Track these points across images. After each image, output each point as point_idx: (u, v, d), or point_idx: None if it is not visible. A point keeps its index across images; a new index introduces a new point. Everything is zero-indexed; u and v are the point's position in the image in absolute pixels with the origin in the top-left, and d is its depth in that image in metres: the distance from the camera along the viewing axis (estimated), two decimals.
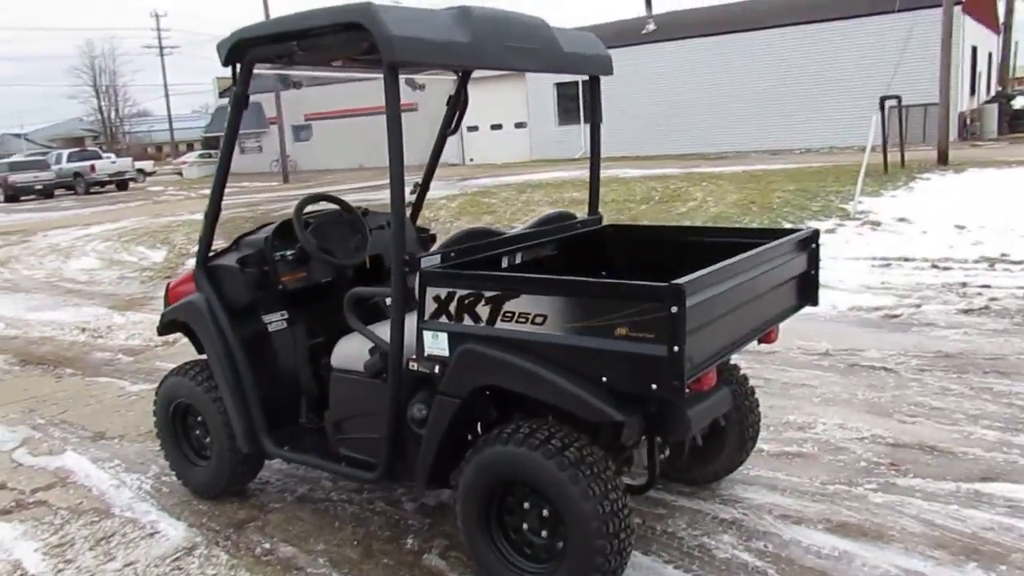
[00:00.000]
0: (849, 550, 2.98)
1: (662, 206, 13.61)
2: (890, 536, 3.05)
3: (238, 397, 3.44)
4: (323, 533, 3.40)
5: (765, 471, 3.74)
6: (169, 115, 57.33)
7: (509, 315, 2.62)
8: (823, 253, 3.44)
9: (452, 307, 2.75)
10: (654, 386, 2.38)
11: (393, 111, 2.76)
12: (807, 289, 3.34)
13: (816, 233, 3.34)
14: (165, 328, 3.78)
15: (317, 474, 3.89)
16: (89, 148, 37.07)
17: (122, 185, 32.22)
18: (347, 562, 3.15)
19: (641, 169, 21.98)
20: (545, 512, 2.67)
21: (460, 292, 2.72)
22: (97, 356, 6.58)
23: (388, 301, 2.90)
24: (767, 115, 26.15)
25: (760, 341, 3.18)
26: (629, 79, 27.14)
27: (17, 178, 29.62)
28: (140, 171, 37.55)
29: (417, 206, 4.44)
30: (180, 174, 40.40)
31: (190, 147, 58.25)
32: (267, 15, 29.81)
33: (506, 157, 31.66)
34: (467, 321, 2.72)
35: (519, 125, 32.32)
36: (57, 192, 31.19)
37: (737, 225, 10.55)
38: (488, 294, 2.66)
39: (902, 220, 10.24)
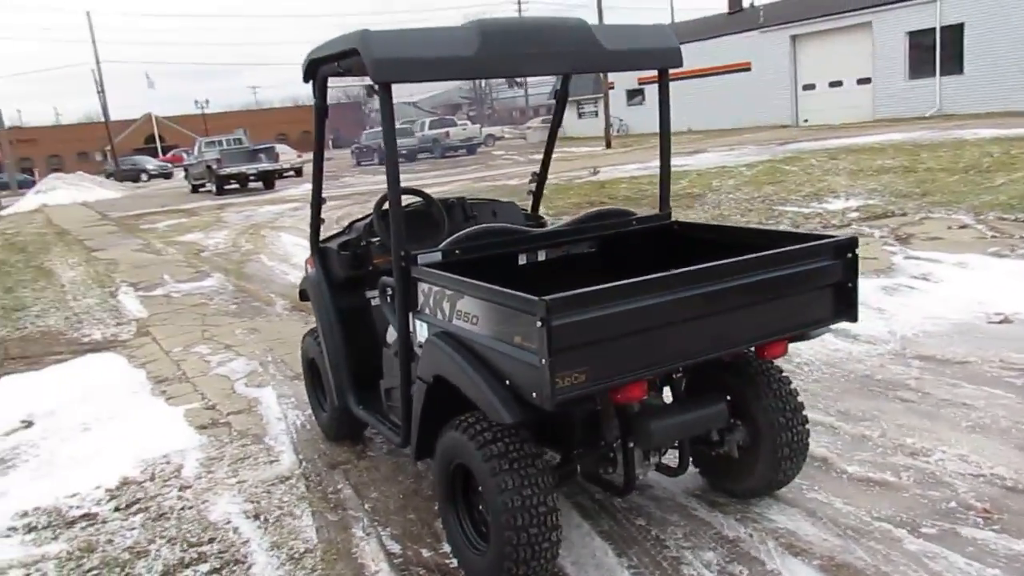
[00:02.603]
0: None
1: (978, 177, 11.74)
2: None
3: (333, 360, 4.08)
4: (384, 484, 3.92)
5: (824, 495, 3.43)
6: (525, 81, 61.77)
7: (459, 313, 2.85)
8: None
9: (431, 301, 3.05)
10: (534, 394, 2.46)
11: (388, 124, 3.04)
12: (841, 302, 3.00)
13: (853, 241, 2.97)
14: (301, 295, 4.56)
15: None
16: (447, 116, 41.69)
17: (471, 149, 35.88)
18: (384, 511, 3.64)
19: (1000, 128, 18.87)
20: None
21: (435, 288, 3.01)
22: None
23: None
24: None
25: (759, 355, 2.97)
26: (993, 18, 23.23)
27: None
28: (489, 136, 41.32)
29: (537, 194, 4.66)
30: (524, 138, 43.64)
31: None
32: None
33: (844, 117, 29.07)
34: (438, 315, 3.00)
35: (862, 81, 29.36)
36: (420, 156, 35.71)
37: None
38: (448, 292, 2.91)
39: None
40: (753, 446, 3.28)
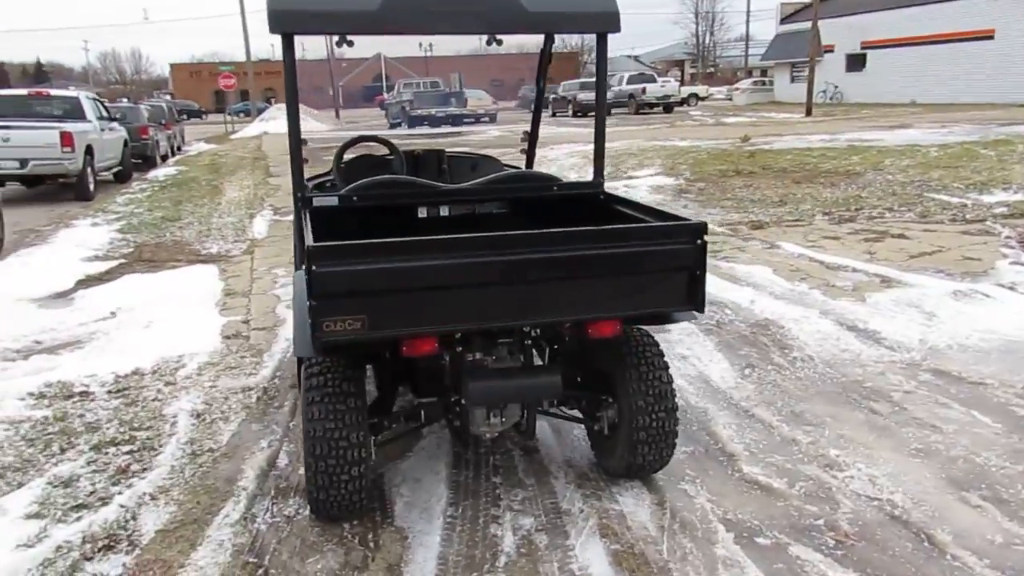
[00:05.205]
0: None
1: None
2: None
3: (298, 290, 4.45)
4: None
5: (696, 489, 3.31)
6: (747, 40, 58.91)
7: None
8: None
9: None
10: (316, 334, 2.63)
11: (290, 76, 3.28)
12: (687, 291, 2.85)
13: (700, 227, 2.81)
14: None
15: None
16: (647, 72, 40.78)
17: (667, 108, 34.97)
18: (299, 430, 3.98)
19: None
20: None
21: (313, 227, 3.23)
22: None
23: None
24: None
25: (585, 333, 2.92)
26: None
27: (583, 96, 34.56)
28: (693, 95, 39.97)
29: (530, 153, 4.72)
30: (730, 99, 41.76)
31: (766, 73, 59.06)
32: None
33: None
34: None
35: None
36: (614, 110, 35.37)
37: None
38: (316, 232, 3.12)
39: None
40: (616, 427, 3.25)
